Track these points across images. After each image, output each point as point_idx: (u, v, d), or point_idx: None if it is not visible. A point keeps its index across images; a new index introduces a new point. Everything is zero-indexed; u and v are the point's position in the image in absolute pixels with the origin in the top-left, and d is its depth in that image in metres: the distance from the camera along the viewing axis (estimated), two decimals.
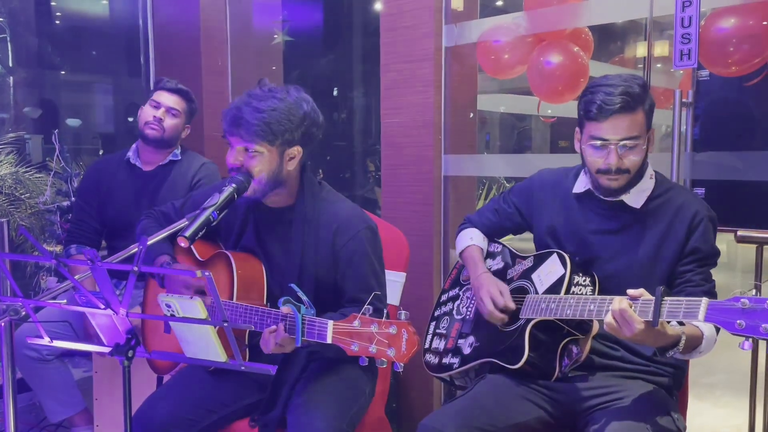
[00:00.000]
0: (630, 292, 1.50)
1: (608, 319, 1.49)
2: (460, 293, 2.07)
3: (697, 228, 1.70)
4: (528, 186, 1.99)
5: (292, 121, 1.73)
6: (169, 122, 2.63)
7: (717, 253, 1.73)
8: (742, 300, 1.36)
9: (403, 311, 1.42)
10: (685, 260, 1.70)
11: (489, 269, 2.00)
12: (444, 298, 2.14)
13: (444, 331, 2.04)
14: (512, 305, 1.80)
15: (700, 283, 1.68)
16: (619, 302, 1.48)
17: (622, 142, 1.66)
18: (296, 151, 1.78)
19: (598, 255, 1.77)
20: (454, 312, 2.04)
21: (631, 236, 1.75)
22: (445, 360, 1.97)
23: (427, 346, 2.07)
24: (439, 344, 2.03)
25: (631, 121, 1.65)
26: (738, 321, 1.35)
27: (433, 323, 2.11)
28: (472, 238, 2.06)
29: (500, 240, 2.09)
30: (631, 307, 1.47)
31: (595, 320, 1.70)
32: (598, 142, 1.68)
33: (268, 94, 1.73)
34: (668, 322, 1.50)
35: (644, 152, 1.70)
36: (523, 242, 2.14)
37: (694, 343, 1.56)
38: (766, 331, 1.32)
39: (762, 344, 2.31)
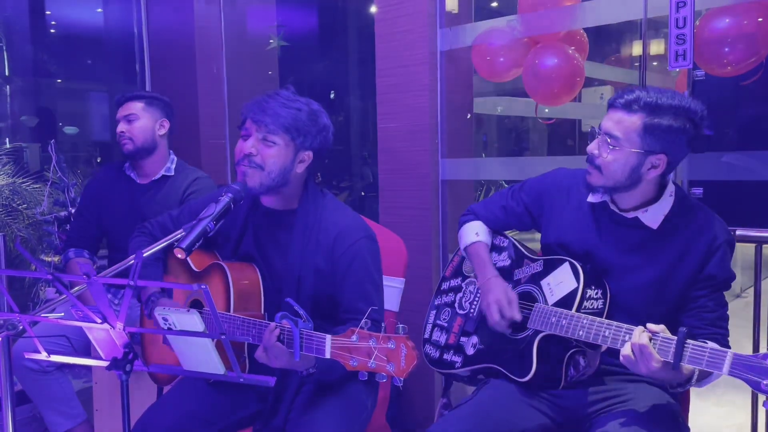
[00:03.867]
0: (651, 326, 1.46)
1: (626, 351, 1.47)
2: (463, 285, 2.01)
3: (715, 253, 1.63)
4: (541, 185, 1.91)
5: (312, 126, 1.78)
6: (133, 128, 2.61)
7: (732, 277, 1.67)
8: None
9: (401, 325, 1.41)
10: (700, 285, 1.65)
11: (494, 264, 1.93)
12: (445, 286, 2.07)
13: (445, 324, 1.99)
14: (519, 317, 1.76)
15: (714, 309, 1.64)
16: (639, 336, 1.44)
17: (606, 134, 1.62)
18: (307, 156, 1.81)
19: (606, 270, 1.72)
20: (456, 305, 1.99)
21: (644, 256, 1.68)
22: (447, 356, 1.93)
23: (426, 336, 2.02)
24: (440, 337, 1.98)
25: (620, 120, 1.60)
26: (765, 381, 1.31)
27: (434, 312, 2.05)
28: (477, 234, 1.97)
29: (506, 233, 2.01)
30: (650, 341, 1.44)
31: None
32: (596, 129, 1.66)
33: (295, 97, 1.79)
34: None
35: (626, 162, 1.61)
36: (525, 237, 2.11)
37: (706, 374, 1.52)
38: None
39: (762, 342, 2.31)
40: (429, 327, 2.04)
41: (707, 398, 3.47)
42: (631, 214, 1.69)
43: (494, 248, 1.98)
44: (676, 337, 1.42)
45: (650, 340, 1.44)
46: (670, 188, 1.70)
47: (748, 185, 2.27)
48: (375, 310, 1.62)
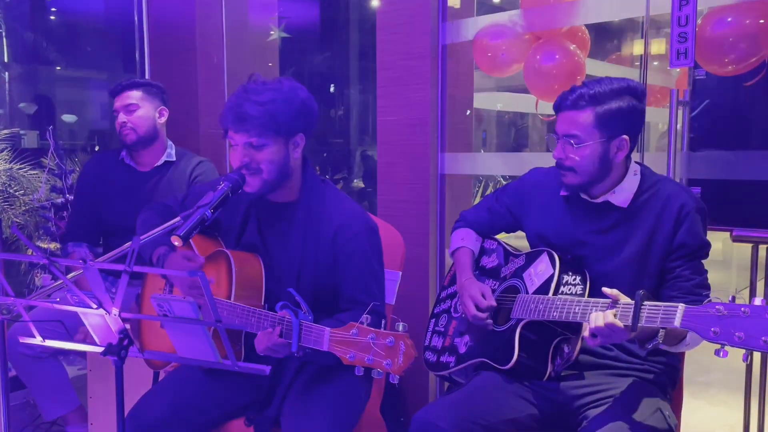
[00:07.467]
0: (605, 290, 1.52)
1: (585, 332, 1.52)
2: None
3: (684, 221, 1.68)
4: (519, 186, 2.00)
5: (292, 109, 1.75)
6: (133, 118, 2.59)
7: (706, 244, 1.71)
8: (717, 306, 1.33)
9: (401, 323, 1.41)
10: (674, 255, 1.70)
11: (484, 267, 2.01)
12: (443, 295, 2.14)
13: (442, 329, 2.05)
14: (493, 303, 1.82)
15: (690, 277, 1.68)
16: (595, 320, 1.49)
17: (565, 137, 1.70)
18: (300, 138, 1.80)
19: (588, 255, 1.77)
20: (452, 310, 2.05)
21: (620, 235, 1.75)
22: (443, 358, 1.98)
23: (426, 343, 2.08)
24: (437, 342, 2.04)
25: (574, 119, 1.68)
26: (713, 328, 1.33)
27: (433, 320, 2.12)
28: (463, 239, 2.06)
29: (496, 236, 2.09)
30: (615, 316, 1.48)
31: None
32: (554, 135, 1.75)
33: (264, 87, 1.75)
34: None
35: (594, 155, 1.69)
36: (518, 240, 2.14)
37: (678, 336, 1.56)
38: (740, 339, 1.29)
39: None
40: (429, 335, 2.10)
41: (700, 398, 3.48)
42: (600, 199, 1.77)
43: (484, 252, 2.06)
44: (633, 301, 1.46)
45: (615, 315, 1.48)
46: (634, 167, 1.77)
47: (746, 185, 2.27)
48: (375, 305, 1.63)
